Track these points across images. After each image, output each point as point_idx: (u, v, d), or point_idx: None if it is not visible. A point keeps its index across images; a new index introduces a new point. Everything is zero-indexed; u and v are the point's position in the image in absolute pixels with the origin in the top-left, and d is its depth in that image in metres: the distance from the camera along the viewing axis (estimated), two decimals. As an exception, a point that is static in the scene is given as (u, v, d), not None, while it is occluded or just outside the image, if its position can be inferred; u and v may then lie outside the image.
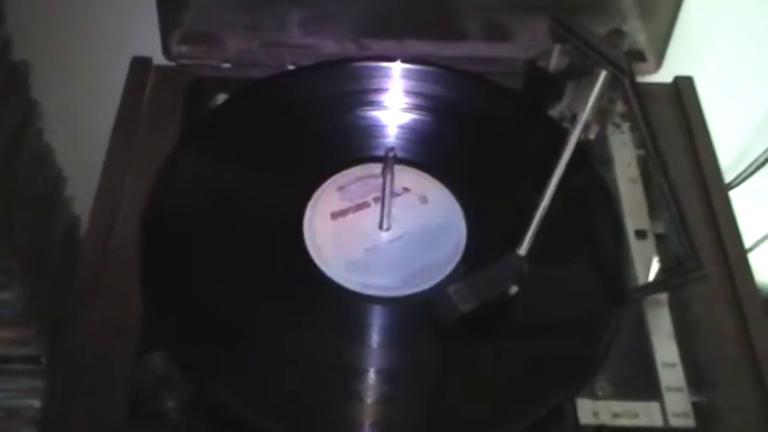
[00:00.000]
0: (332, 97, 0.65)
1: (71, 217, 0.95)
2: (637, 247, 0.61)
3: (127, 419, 0.51)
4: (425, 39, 0.72)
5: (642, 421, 0.52)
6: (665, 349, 0.55)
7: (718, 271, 0.61)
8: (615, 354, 0.54)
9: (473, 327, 0.52)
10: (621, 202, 0.63)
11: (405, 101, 0.65)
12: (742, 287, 0.60)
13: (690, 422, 0.52)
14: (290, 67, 0.71)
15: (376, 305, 0.55)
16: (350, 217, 0.59)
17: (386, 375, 0.52)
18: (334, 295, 0.55)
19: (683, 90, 0.72)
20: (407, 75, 0.66)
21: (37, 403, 0.85)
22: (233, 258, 0.56)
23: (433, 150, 0.63)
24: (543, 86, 0.65)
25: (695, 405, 0.53)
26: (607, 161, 0.65)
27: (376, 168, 0.59)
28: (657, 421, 0.52)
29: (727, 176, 0.79)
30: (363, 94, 0.65)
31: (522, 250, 0.53)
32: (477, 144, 0.64)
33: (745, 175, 0.86)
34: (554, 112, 0.65)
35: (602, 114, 0.66)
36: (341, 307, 0.55)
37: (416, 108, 0.65)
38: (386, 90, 0.65)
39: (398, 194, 0.60)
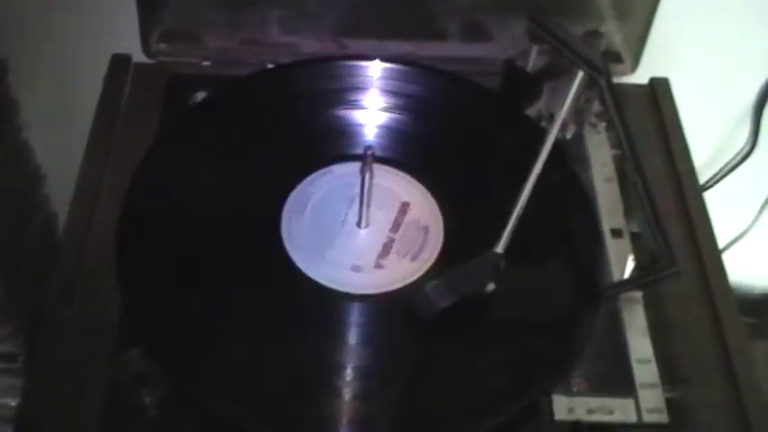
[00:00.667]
0: (311, 96, 0.65)
1: (49, 214, 0.94)
2: (612, 246, 0.61)
3: (105, 416, 0.51)
4: (405, 38, 0.72)
5: (617, 417, 0.53)
6: (640, 346, 0.56)
7: (692, 269, 0.61)
8: (591, 350, 0.54)
9: (450, 323, 0.52)
10: (598, 200, 0.64)
11: (383, 100, 0.65)
12: (716, 285, 0.61)
13: (663, 418, 0.53)
14: (270, 66, 0.71)
15: (353, 302, 0.55)
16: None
17: (363, 372, 0.52)
18: (311, 293, 0.55)
19: (658, 91, 0.73)
20: (386, 74, 0.66)
21: (13, 401, 0.85)
22: (211, 256, 0.57)
23: (411, 149, 0.63)
24: (521, 86, 0.65)
25: (669, 401, 0.54)
26: (583, 160, 0.66)
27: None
28: (632, 417, 0.53)
29: (702, 177, 0.80)
30: (342, 93, 0.65)
31: (500, 248, 0.53)
32: (456, 143, 0.64)
33: (719, 175, 0.87)
34: (531, 111, 0.66)
35: (578, 114, 0.66)
36: (318, 304, 0.55)
37: (395, 107, 0.65)
38: (365, 89, 0.66)
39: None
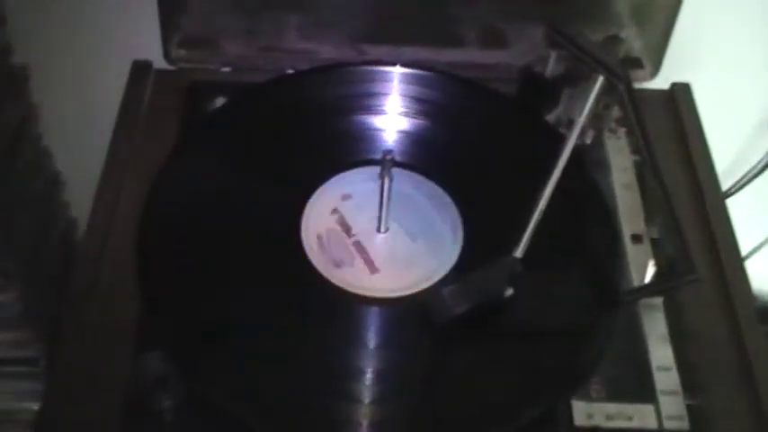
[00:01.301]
0: (330, 101, 0.65)
1: (68, 220, 0.95)
2: (632, 252, 0.61)
3: (123, 419, 0.51)
4: (422, 45, 0.73)
5: (636, 424, 0.53)
6: (661, 353, 0.56)
7: (712, 276, 0.61)
8: (610, 356, 0.54)
9: (467, 328, 0.52)
10: (617, 206, 0.63)
11: (403, 105, 0.65)
12: (736, 293, 0.60)
13: (684, 425, 0.52)
14: (289, 72, 0.71)
15: (372, 306, 0.55)
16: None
17: (381, 376, 0.52)
18: (330, 297, 0.55)
19: (679, 96, 0.73)
20: (406, 79, 0.66)
21: (35, 406, 0.85)
22: (230, 260, 0.57)
23: (430, 154, 0.63)
24: (540, 92, 0.65)
25: (689, 408, 0.53)
26: (603, 166, 0.66)
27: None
28: (651, 424, 0.53)
29: (725, 184, 0.80)
30: (361, 98, 0.65)
31: (518, 253, 0.53)
32: (474, 148, 0.64)
33: (742, 182, 0.86)
34: (550, 117, 0.66)
35: (597, 120, 0.66)
36: (337, 308, 0.55)
37: (414, 112, 0.65)
38: (384, 94, 0.66)
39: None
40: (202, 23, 0.72)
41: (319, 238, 0.58)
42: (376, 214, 0.59)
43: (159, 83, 0.72)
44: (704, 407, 0.54)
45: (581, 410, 0.53)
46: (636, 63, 0.73)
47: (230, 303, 0.55)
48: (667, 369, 0.55)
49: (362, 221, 0.60)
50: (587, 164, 0.63)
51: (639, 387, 0.54)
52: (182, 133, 0.67)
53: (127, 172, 0.65)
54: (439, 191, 0.61)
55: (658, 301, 0.58)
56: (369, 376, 0.52)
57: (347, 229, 0.59)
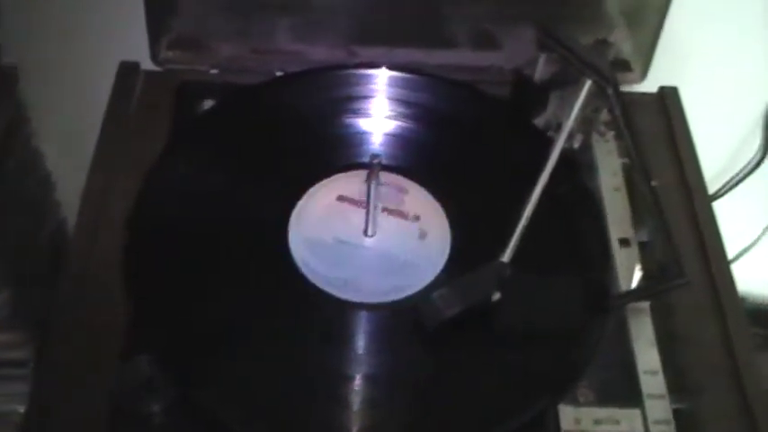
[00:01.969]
0: (318, 104, 0.65)
1: (59, 221, 0.95)
2: (620, 255, 0.61)
3: (110, 422, 0.51)
4: (414, 46, 0.72)
5: (623, 428, 0.53)
6: (647, 357, 0.56)
7: (700, 280, 0.61)
8: (597, 361, 0.54)
9: (456, 332, 0.52)
10: (606, 209, 0.63)
11: (391, 108, 0.65)
12: (724, 296, 0.60)
13: (670, 429, 0.53)
14: (278, 74, 0.71)
15: (361, 311, 0.55)
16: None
17: (370, 381, 0.52)
18: (318, 301, 0.55)
19: (668, 100, 0.73)
20: (394, 82, 0.66)
21: (23, 408, 0.85)
22: (219, 263, 0.57)
23: (418, 157, 0.63)
24: (529, 95, 0.65)
25: (676, 412, 0.53)
26: (592, 169, 0.66)
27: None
28: (638, 428, 0.53)
29: (712, 187, 0.80)
30: (350, 101, 0.65)
31: (506, 257, 0.53)
32: (463, 152, 0.64)
33: (729, 185, 0.87)
34: (539, 120, 0.66)
35: (586, 123, 0.66)
36: (326, 313, 0.55)
37: (402, 115, 0.65)
38: (372, 97, 0.66)
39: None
40: (191, 25, 0.72)
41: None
42: (363, 217, 0.59)
43: (148, 84, 0.71)
44: (692, 410, 0.54)
45: (568, 415, 0.53)
46: (625, 66, 0.73)
47: (218, 306, 0.55)
48: (654, 373, 0.55)
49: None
50: (576, 167, 0.63)
51: (626, 391, 0.54)
52: (171, 135, 0.66)
53: (115, 173, 0.65)
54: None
55: (645, 304, 0.58)
56: (358, 381, 0.52)
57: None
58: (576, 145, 0.66)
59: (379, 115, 0.65)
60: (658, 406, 0.53)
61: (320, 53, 0.73)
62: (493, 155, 0.64)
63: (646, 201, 0.56)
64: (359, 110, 0.65)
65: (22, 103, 0.85)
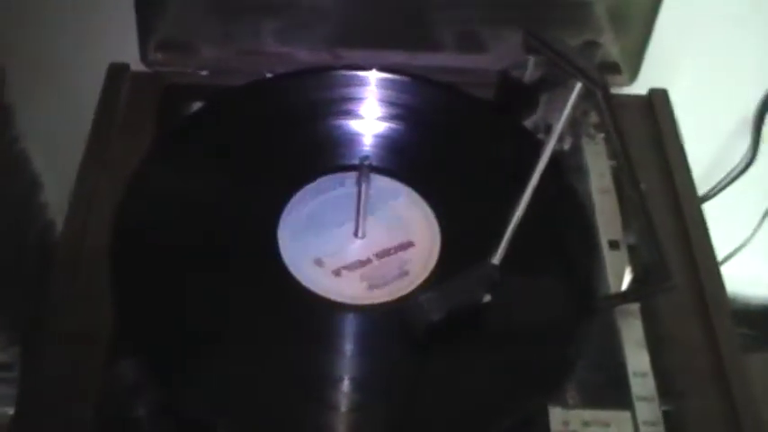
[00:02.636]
0: (306, 106, 0.65)
1: (46, 223, 0.94)
2: (609, 258, 0.61)
3: (96, 427, 0.51)
4: (399, 48, 0.72)
5: (613, 430, 0.53)
6: (637, 359, 0.56)
7: (688, 282, 0.61)
8: (587, 363, 0.54)
9: (444, 335, 0.52)
10: (595, 212, 0.63)
11: (380, 110, 0.65)
12: (712, 299, 0.60)
13: (660, 431, 0.53)
14: (267, 75, 0.71)
15: (348, 313, 0.55)
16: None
17: (358, 384, 0.52)
18: (306, 303, 0.55)
19: (656, 102, 0.73)
20: (383, 84, 0.66)
21: (9, 411, 0.84)
22: (205, 267, 0.56)
23: (407, 159, 0.63)
24: (518, 97, 0.65)
25: (665, 414, 0.53)
26: (581, 171, 0.66)
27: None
28: (628, 430, 0.53)
29: (701, 189, 0.80)
30: (339, 103, 0.65)
31: (496, 259, 0.53)
32: (452, 154, 0.64)
33: (718, 187, 0.87)
34: (528, 122, 0.66)
35: (575, 125, 0.66)
36: (313, 315, 0.55)
37: (391, 117, 0.65)
38: (361, 99, 0.65)
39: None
40: (180, 26, 0.72)
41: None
42: (354, 219, 0.59)
43: (136, 85, 0.71)
44: (680, 412, 0.54)
45: (557, 417, 0.53)
46: (613, 68, 0.73)
47: (205, 309, 0.54)
48: (643, 375, 0.55)
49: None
50: (565, 169, 0.63)
51: (616, 393, 0.54)
52: (157, 137, 0.66)
53: (103, 175, 0.65)
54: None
55: (635, 306, 0.58)
56: (345, 384, 0.51)
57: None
58: (566, 147, 0.66)
59: (368, 117, 0.65)
60: (648, 408, 0.54)
61: (305, 55, 0.73)
62: (483, 157, 0.64)
63: (633, 203, 0.56)
64: (347, 111, 0.65)
65: (8, 104, 0.84)
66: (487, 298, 0.53)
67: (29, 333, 0.80)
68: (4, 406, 0.84)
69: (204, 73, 0.73)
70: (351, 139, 0.64)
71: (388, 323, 0.55)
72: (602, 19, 0.72)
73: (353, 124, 0.64)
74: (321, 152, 0.63)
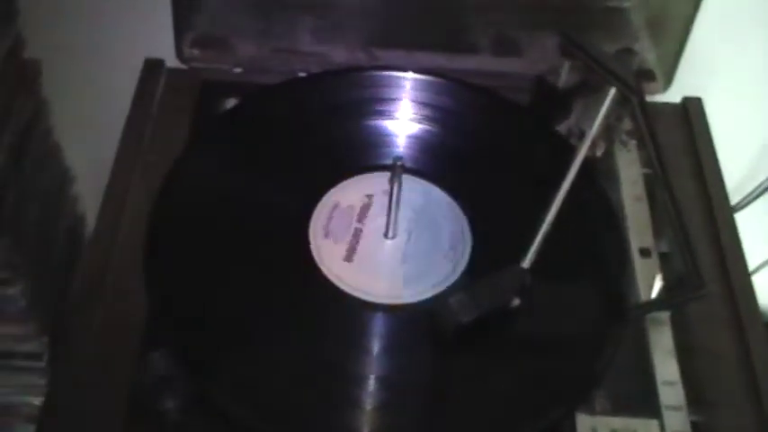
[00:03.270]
0: (341, 105, 0.65)
1: (76, 216, 0.95)
2: (640, 266, 0.61)
3: (127, 418, 0.51)
4: (435, 51, 0.72)
5: (640, 438, 0.53)
6: (666, 367, 0.56)
7: (720, 292, 0.61)
8: (615, 370, 0.54)
9: (473, 338, 0.52)
10: (626, 219, 0.63)
11: (414, 111, 0.65)
12: (744, 309, 0.60)
13: (688, 440, 0.52)
14: (301, 75, 0.71)
15: (378, 312, 0.55)
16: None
17: (385, 383, 0.52)
18: (337, 301, 0.55)
19: (691, 110, 0.72)
20: (418, 86, 0.66)
21: (36, 400, 0.85)
22: (238, 262, 0.57)
23: (440, 161, 0.63)
24: (552, 102, 0.65)
25: (694, 424, 0.53)
26: (613, 178, 0.66)
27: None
28: (656, 438, 0.53)
29: (734, 198, 0.79)
30: (373, 104, 0.65)
31: (526, 263, 0.53)
32: (485, 157, 0.64)
33: (751, 197, 0.86)
34: (562, 127, 0.66)
35: (608, 131, 0.66)
36: (344, 313, 0.55)
37: (425, 119, 0.65)
38: (396, 100, 0.66)
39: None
40: (216, 23, 0.72)
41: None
42: (385, 219, 0.59)
43: (171, 81, 0.72)
44: (709, 423, 0.54)
45: (585, 424, 0.52)
46: (648, 76, 0.73)
47: (237, 303, 0.55)
48: (672, 384, 0.55)
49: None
50: (597, 176, 0.63)
51: (644, 401, 0.54)
52: (193, 133, 0.67)
53: (137, 169, 0.65)
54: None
55: (665, 315, 0.58)
56: (372, 382, 0.51)
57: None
58: (599, 153, 0.66)
59: (402, 118, 0.65)
60: (676, 417, 0.53)
61: (340, 55, 0.73)
62: (515, 161, 0.64)
63: (667, 211, 0.55)
64: (381, 112, 0.65)
65: (43, 97, 0.85)
66: (517, 302, 0.53)
67: (58, 323, 0.81)
68: (33, 395, 0.85)
69: (238, 70, 0.73)
70: (384, 140, 0.64)
71: (416, 323, 0.55)
72: (639, 26, 0.71)
73: (387, 125, 0.65)
74: (354, 151, 0.63)
